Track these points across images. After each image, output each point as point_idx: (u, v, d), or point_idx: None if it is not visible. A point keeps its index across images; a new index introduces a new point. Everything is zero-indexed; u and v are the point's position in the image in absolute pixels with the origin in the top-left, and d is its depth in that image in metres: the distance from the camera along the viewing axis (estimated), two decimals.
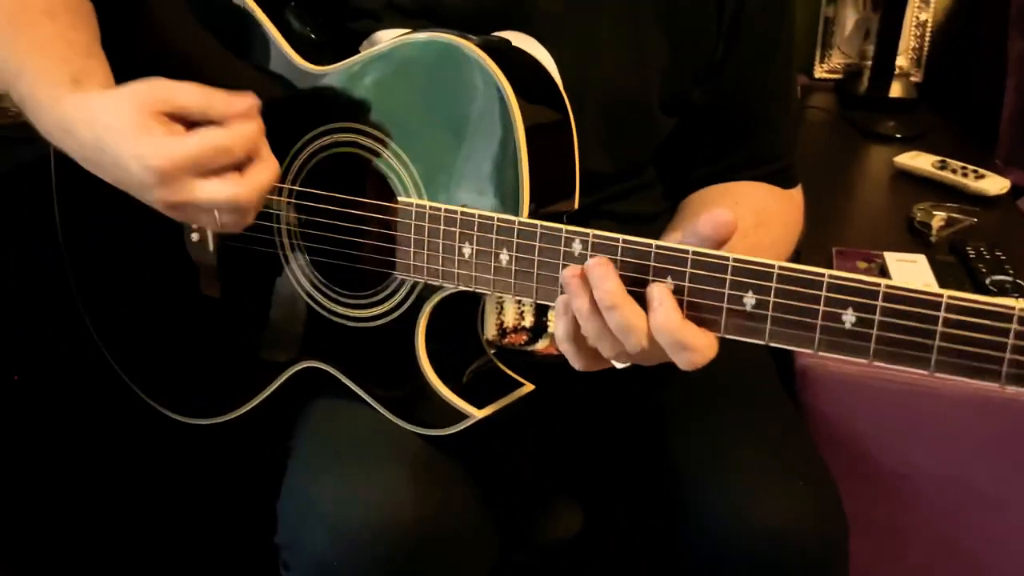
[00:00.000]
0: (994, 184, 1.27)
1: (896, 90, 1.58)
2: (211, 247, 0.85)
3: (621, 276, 0.63)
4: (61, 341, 1.06)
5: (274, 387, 0.86)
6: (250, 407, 0.88)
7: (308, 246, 0.81)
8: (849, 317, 0.55)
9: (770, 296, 0.58)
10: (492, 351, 0.82)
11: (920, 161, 1.35)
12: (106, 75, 0.75)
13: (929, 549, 1.04)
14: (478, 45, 0.70)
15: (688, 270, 0.61)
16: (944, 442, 1.00)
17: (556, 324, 0.67)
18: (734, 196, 0.86)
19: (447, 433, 0.76)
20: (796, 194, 0.90)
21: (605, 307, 0.62)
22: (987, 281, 1.04)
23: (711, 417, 0.86)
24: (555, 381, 0.85)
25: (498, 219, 0.68)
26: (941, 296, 0.53)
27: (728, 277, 0.59)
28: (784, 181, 0.89)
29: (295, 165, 0.79)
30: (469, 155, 0.72)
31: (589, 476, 0.95)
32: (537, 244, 0.67)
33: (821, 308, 0.56)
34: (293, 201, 0.80)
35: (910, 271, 1.08)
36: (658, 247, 0.62)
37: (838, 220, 1.26)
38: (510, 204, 0.70)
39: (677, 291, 0.61)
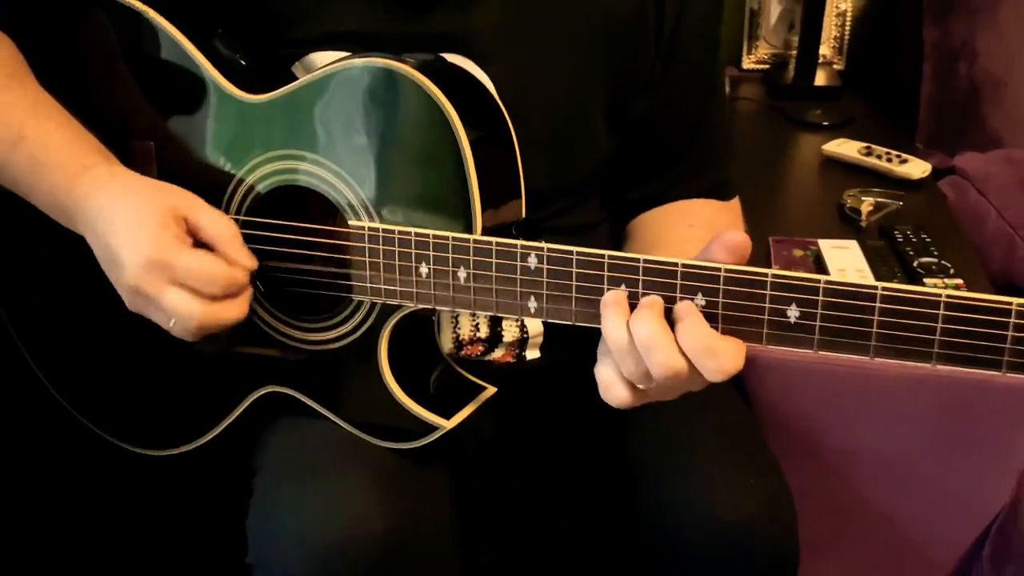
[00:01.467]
0: (917, 168, 1.34)
1: (821, 78, 1.64)
2: None
3: (577, 286, 0.66)
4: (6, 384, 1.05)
5: (236, 414, 0.86)
6: (212, 435, 0.88)
7: (260, 274, 0.80)
8: (793, 312, 0.59)
9: (719, 297, 0.61)
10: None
11: (847, 148, 1.40)
12: None
13: (872, 522, 1.10)
14: (415, 67, 0.71)
15: (640, 277, 0.64)
16: (883, 421, 1.05)
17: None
18: (686, 218, 0.88)
19: (417, 446, 0.78)
20: (736, 205, 0.93)
21: (634, 319, 0.64)
22: (915, 264, 1.10)
23: (666, 415, 0.88)
24: (512, 387, 0.87)
25: (453, 238, 0.70)
26: (876, 288, 0.57)
27: (678, 282, 0.62)
28: (724, 194, 0.92)
29: (238, 195, 0.80)
30: (417, 176, 0.73)
31: (548, 476, 0.97)
32: (494, 260, 0.69)
33: (767, 305, 0.60)
34: (241, 231, 0.79)
35: (844, 257, 1.13)
36: (610, 257, 0.65)
37: (772, 209, 1.31)
38: (462, 222, 0.71)
39: (631, 296, 0.64)
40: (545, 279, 0.68)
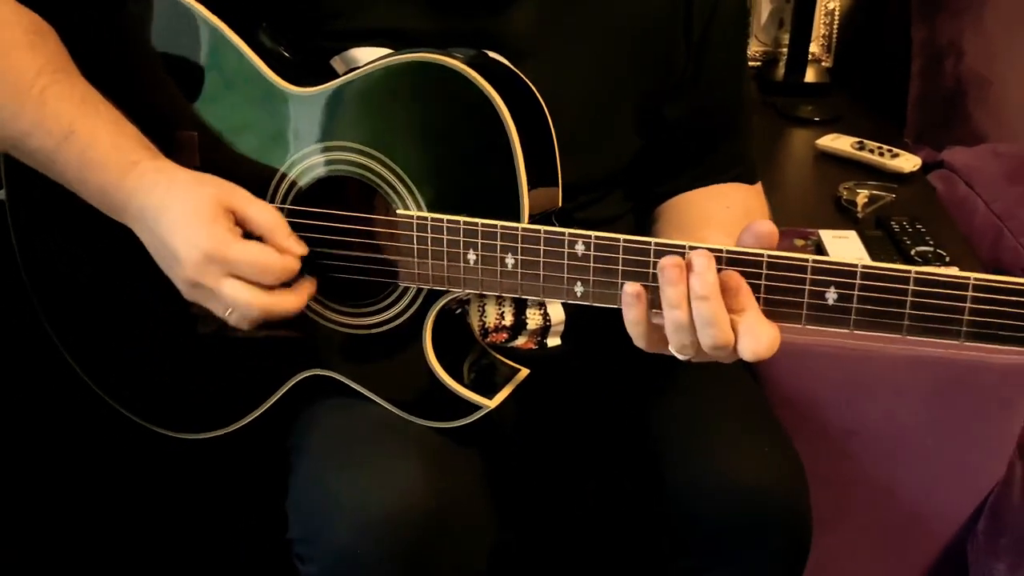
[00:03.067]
0: (908, 162, 1.40)
1: (810, 75, 1.70)
2: None
3: (623, 271, 0.70)
4: (35, 369, 1.06)
5: (275, 397, 0.89)
6: (250, 419, 0.91)
7: (306, 261, 0.82)
8: (832, 295, 0.64)
9: (761, 281, 0.66)
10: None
11: (840, 143, 1.46)
12: None
13: (871, 498, 1.15)
14: (464, 62, 0.75)
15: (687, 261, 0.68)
16: (883, 399, 1.10)
17: (628, 310, 0.70)
18: (723, 200, 0.93)
19: (462, 424, 0.82)
20: (760, 189, 0.98)
21: (697, 296, 0.66)
22: (912, 252, 1.16)
23: (684, 392, 0.93)
24: (533, 373, 0.90)
25: (501, 227, 0.74)
26: (909, 271, 0.61)
27: (723, 268, 0.67)
28: (750, 178, 0.97)
29: (284, 185, 0.82)
30: (465, 167, 0.77)
31: (569, 458, 1.01)
32: (542, 248, 0.73)
33: (807, 288, 0.64)
34: (287, 220, 0.81)
35: (844, 246, 1.19)
36: (656, 244, 0.69)
37: (771, 200, 1.34)
38: (510, 211, 0.75)
39: None
40: (592, 265, 0.72)
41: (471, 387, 0.82)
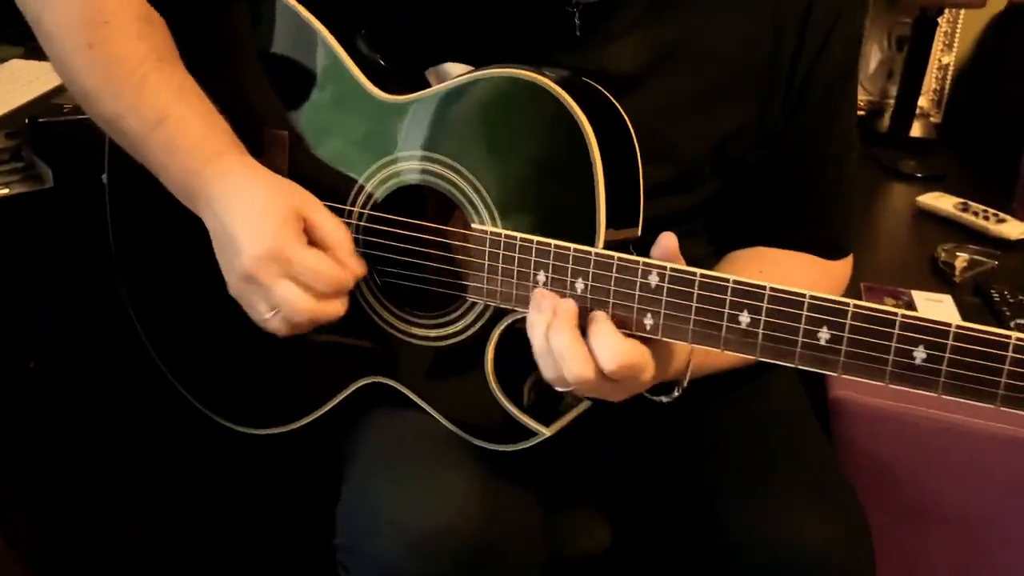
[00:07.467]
0: (1014, 228, 1.32)
1: (916, 130, 1.64)
2: None
3: (696, 308, 0.67)
4: (113, 349, 1.09)
5: (337, 400, 0.89)
6: (311, 419, 0.91)
7: (378, 268, 0.84)
8: (920, 353, 0.59)
9: (844, 332, 0.62)
10: None
11: (943, 202, 1.40)
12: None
13: None
14: (556, 82, 0.74)
15: (764, 304, 0.64)
16: (968, 478, 1.03)
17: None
18: (759, 263, 0.89)
19: (514, 449, 0.80)
20: (838, 266, 0.92)
21: (551, 332, 0.70)
22: (1012, 324, 1.09)
23: (747, 442, 0.89)
24: (597, 401, 0.89)
25: (575, 250, 0.72)
26: (1010, 338, 0.57)
27: (804, 313, 0.63)
28: (828, 251, 0.91)
29: (367, 189, 0.83)
30: (545, 186, 0.75)
31: (623, 492, 0.98)
32: (613, 275, 0.70)
33: (893, 344, 0.60)
34: (364, 224, 0.83)
35: (937, 310, 1.13)
36: (735, 282, 0.66)
37: (864, 255, 1.30)
38: (584, 235, 0.73)
39: (753, 324, 0.65)
40: (664, 297, 0.69)
41: (529, 412, 0.79)
